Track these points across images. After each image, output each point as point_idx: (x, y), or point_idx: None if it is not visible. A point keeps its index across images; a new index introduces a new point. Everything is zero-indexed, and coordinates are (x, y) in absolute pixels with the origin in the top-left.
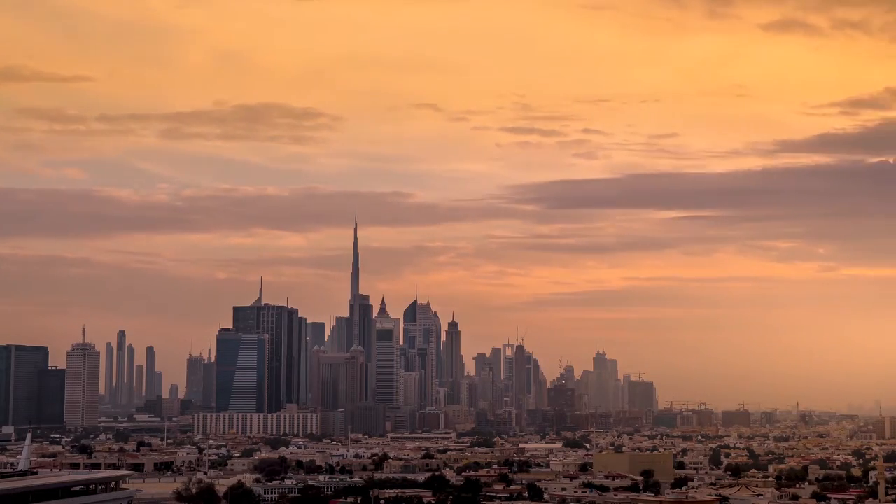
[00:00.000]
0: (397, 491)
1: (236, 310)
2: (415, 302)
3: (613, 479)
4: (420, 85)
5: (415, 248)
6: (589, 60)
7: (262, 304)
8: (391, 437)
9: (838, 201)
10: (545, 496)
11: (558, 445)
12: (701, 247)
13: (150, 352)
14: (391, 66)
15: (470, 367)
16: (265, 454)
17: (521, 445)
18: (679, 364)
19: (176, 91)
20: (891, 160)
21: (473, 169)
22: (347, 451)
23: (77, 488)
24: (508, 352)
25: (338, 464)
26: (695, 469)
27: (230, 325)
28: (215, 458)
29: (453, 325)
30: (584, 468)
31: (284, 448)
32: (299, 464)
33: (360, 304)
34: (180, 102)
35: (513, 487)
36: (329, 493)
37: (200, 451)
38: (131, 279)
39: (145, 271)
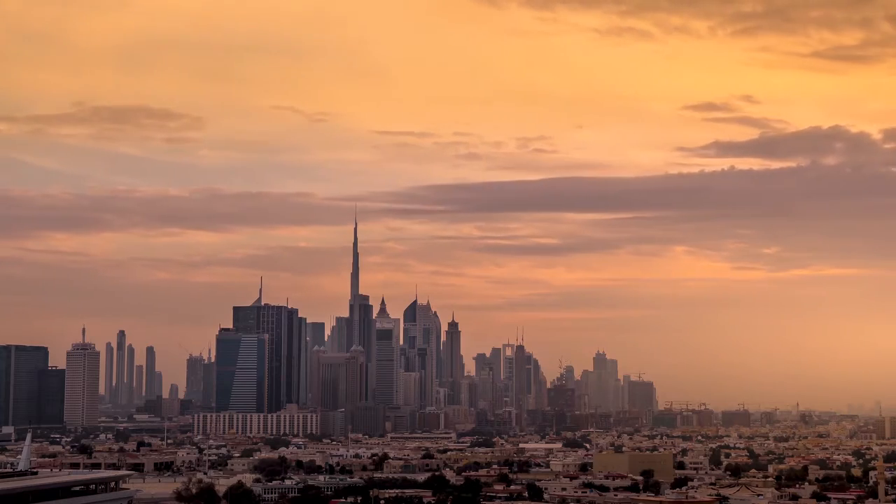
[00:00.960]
0: (397, 491)
1: (236, 310)
2: (415, 302)
3: (613, 479)
4: (270, 82)
5: (342, 248)
6: (441, 60)
7: (262, 304)
8: (391, 437)
9: (768, 204)
10: (545, 496)
11: (558, 445)
12: (649, 247)
13: (150, 352)
14: (230, 56)
15: (470, 367)
16: (265, 454)
17: (521, 445)
18: (679, 364)
19: (27, 90)
20: (804, 164)
21: (364, 167)
22: (347, 451)
23: (77, 488)
24: (508, 352)
25: (338, 464)
26: (695, 469)
27: (230, 325)
28: (215, 458)
29: (453, 325)
30: (584, 468)
31: (284, 448)
32: (299, 464)
33: (360, 304)
34: (36, 103)
35: (513, 487)
36: (329, 493)
37: (200, 451)
38: (70, 278)
39: (80, 271)
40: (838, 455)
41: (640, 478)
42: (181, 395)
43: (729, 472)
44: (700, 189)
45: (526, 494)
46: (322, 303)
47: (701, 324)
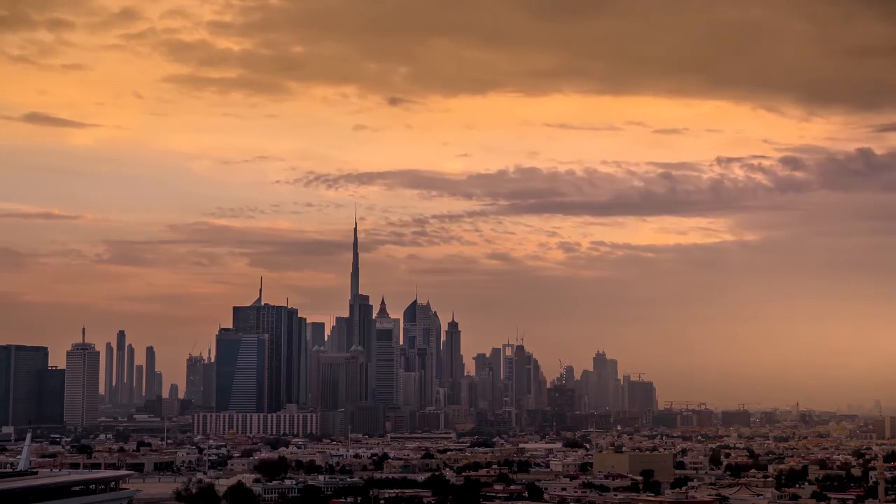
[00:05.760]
0: (397, 491)
1: (236, 310)
2: (415, 302)
3: (613, 479)
4: None
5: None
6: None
7: (262, 304)
8: (391, 437)
9: None
10: (545, 496)
11: (558, 445)
12: None
13: (150, 352)
14: None
15: (470, 367)
16: (265, 454)
17: (521, 445)
18: (679, 364)
19: None
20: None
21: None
22: (347, 451)
23: (77, 488)
24: (508, 352)
25: (338, 464)
26: (695, 469)
27: (230, 325)
28: (215, 458)
29: (453, 325)
30: (584, 468)
31: (284, 448)
32: (299, 464)
33: (360, 304)
34: None
35: (513, 487)
36: (329, 493)
37: (200, 451)
38: None
39: None
40: (838, 455)
41: (640, 478)
42: (181, 395)
43: (729, 472)
44: None
45: (526, 494)
46: (322, 303)
47: (702, 323)
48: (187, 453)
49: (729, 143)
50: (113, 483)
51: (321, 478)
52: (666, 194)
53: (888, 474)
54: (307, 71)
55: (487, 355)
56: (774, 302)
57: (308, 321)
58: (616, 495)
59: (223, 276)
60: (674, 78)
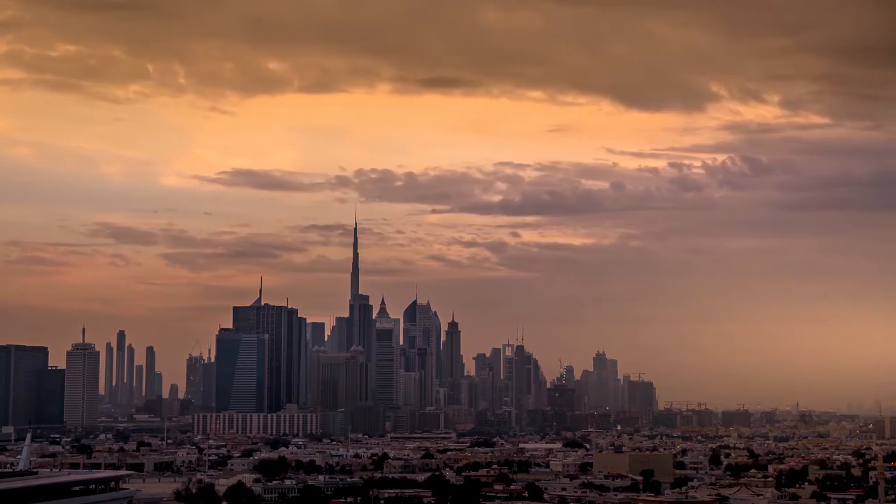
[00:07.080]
0: (397, 491)
1: (236, 310)
2: (415, 302)
3: (613, 479)
4: None
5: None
6: None
7: (262, 304)
8: (391, 437)
9: None
10: (545, 496)
11: (558, 445)
12: None
13: (150, 352)
14: None
15: (470, 367)
16: (265, 454)
17: (521, 445)
18: (679, 364)
19: None
20: None
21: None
22: (347, 451)
23: (77, 488)
24: (508, 352)
25: (338, 464)
26: (695, 469)
27: (230, 325)
28: (215, 458)
29: (453, 325)
30: (584, 468)
31: (284, 448)
32: (299, 464)
33: (359, 304)
34: None
35: (513, 487)
36: (329, 493)
37: (200, 451)
38: None
39: None
40: (838, 455)
41: (640, 478)
42: (181, 395)
43: (729, 472)
44: None
45: (526, 494)
46: (322, 303)
47: (701, 323)
48: (187, 453)
49: (571, 144)
50: (113, 483)
51: (321, 478)
52: (571, 196)
53: (888, 474)
54: (93, 71)
55: (487, 355)
56: (760, 302)
57: (308, 321)
58: (616, 495)
59: (144, 276)
60: (468, 79)
